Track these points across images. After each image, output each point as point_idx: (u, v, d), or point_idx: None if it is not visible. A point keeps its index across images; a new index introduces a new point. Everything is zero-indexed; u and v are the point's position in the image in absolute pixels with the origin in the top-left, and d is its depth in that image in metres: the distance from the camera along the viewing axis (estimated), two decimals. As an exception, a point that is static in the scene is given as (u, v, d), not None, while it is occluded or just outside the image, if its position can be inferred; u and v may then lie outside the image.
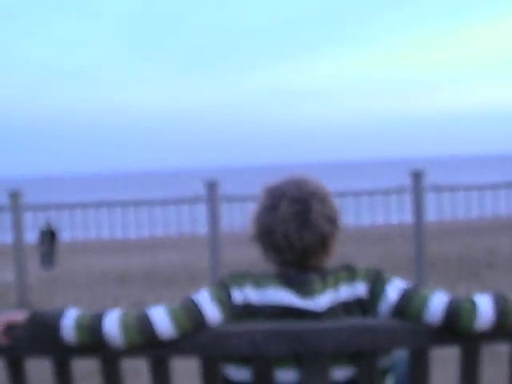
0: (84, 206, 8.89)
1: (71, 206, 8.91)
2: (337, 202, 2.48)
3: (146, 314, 2.24)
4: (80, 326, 2.23)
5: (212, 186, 8.01)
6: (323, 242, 2.36)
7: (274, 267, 2.43)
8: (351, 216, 8.84)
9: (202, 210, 8.14)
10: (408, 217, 8.53)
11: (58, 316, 2.27)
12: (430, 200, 8.87)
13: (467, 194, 8.99)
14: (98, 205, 8.81)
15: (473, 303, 2.21)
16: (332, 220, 2.38)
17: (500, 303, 2.21)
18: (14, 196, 8.46)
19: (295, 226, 2.35)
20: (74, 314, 2.26)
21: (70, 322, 2.24)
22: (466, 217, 9.44)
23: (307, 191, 2.37)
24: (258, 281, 2.35)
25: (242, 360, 2.31)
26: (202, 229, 8.78)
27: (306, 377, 2.27)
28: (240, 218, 8.58)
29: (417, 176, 8.19)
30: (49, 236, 15.81)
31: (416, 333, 2.26)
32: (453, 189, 8.78)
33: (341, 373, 2.31)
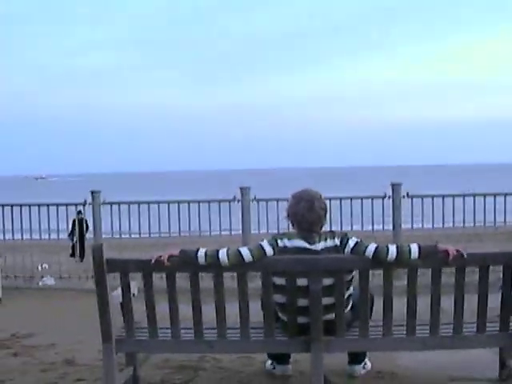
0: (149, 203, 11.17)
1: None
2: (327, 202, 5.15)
3: (239, 250, 4.83)
4: (207, 255, 4.82)
5: (245, 191, 10.67)
6: (319, 219, 5.03)
7: (296, 231, 5.05)
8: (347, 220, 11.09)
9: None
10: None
11: (195, 251, 4.86)
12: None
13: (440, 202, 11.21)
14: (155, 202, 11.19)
15: (387, 248, 4.79)
16: (324, 209, 5.04)
17: (399, 248, 4.80)
18: (95, 194, 10.97)
19: (307, 212, 4.97)
20: (204, 250, 4.85)
21: (202, 253, 4.84)
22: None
23: (311, 196, 5.02)
24: (290, 236, 5.00)
25: (282, 273, 4.91)
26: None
27: (311, 281, 4.85)
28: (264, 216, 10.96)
29: (395, 187, 10.71)
30: (79, 226, 15.00)
31: (361, 261, 4.87)
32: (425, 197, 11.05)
33: (327, 281, 4.90)
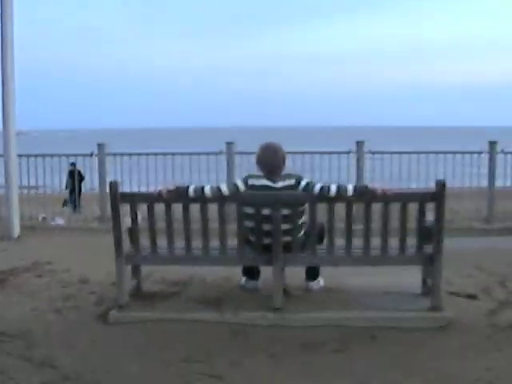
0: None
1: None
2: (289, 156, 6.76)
3: (219, 186, 6.46)
4: (195, 190, 6.43)
5: (230, 145, 12.31)
6: (280, 165, 6.67)
7: (262, 173, 6.68)
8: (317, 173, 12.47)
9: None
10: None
11: (187, 186, 6.48)
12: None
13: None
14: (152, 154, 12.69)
15: (329, 187, 6.41)
16: (283, 157, 6.68)
17: (339, 187, 6.41)
18: (101, 146, 12.51)
19: (272, 159, 6.60)
20: (193, 186, 6.46)
21: (191, 188, 6.45)
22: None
23: (274, 147, 6.66)
24: (257, 177, 6.64)
25: (251, 204, 6.55)
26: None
27: (273, 211, 6.47)
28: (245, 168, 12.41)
29: (359, 144, 12.21)
30: (72, 178, 15.37)
31: (310, 196, 6.50)
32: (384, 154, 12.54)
33: (285, 211, 6.52)
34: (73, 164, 15.27)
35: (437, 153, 12.63)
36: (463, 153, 12.57)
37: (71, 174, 15.28)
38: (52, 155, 12.97)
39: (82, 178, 16.11)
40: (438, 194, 6.48)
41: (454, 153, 12.56)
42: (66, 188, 16.19)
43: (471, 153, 12.58)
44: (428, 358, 5.82)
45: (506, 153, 12.57)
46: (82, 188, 16.97)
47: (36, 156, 12.87)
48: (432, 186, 12.22)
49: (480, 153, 12.50)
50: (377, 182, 12.23)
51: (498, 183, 12.86)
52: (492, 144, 12.35)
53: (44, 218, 12.94)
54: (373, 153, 12.50)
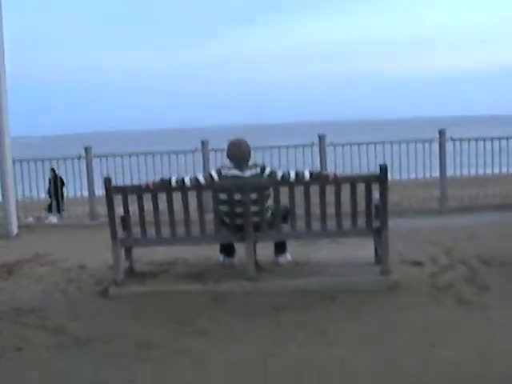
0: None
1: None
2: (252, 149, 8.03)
3: (197, 176, 7.70)
4: (177, 181, 7.65)
5: (205, 143, 13.50)
6: (246, 157, 7.93)
7: (233, 164, 7.91)
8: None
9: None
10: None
11: (169, 178, 7.70)
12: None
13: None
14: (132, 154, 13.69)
15: (289, 173, 7.71)
16: (248, 150, 7.94)
17: (297, 173, 7.68)
18: (88, 149, 13.58)
19: (239, 152, 7.84)
20: (175, 177, 7.69)
21: (173, 179, 7.68)
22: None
23: (240, 142, 7.93)
24: (228, 167, 7.89)
25: (225, 191, 7.77)
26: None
27: (243, 196, 7.68)
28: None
29: (321, 138, 13.38)
30: (54, 183, 15.80)
31: (273, 182, 7.73)
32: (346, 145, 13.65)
33: (253, 195, 7.73)
34: (52, 169, 15.67)
35: (392, 143, 13.74)
36: (416, 141, 13.74)
37: (52, 179, 15.96)
38: (43, 160, 14.03)
39: (62, 183, 16.03)
40: (382, 176, 7.69)
41: (407, 141, 13.75)
42: (48, 193, 16.60)
43: (423, 141, 13.74)
44: (378, 311, 7.03)
45: (454, 140, 13.70)
46: (65, 192, 16.64)
47: (28, 161, 13.89)
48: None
49: (431, 141, 13.67)
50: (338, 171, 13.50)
51: (450, 172, 14.04)
52: (441, 132, 13.55)
53: (38, 218, 14.00)
54: (334, 145, 13.64)
